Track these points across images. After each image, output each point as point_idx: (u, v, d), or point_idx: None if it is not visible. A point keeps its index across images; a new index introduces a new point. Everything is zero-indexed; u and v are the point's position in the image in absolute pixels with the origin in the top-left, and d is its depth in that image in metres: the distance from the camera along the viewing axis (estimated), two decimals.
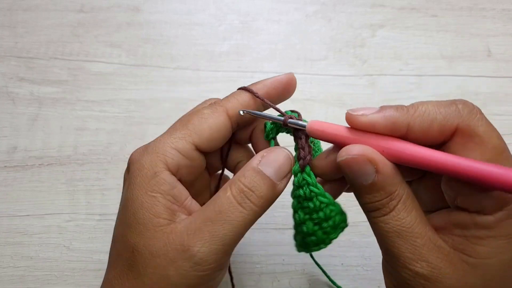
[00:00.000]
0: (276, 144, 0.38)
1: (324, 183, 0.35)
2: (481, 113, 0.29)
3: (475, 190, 0.29)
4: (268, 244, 0.52)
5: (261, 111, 0.37)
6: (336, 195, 0.36)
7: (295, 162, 0.34)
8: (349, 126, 0.31)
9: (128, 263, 0.32)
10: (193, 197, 0.36)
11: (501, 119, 0.60)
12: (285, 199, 0.36)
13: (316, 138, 0.33)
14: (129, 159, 0.35)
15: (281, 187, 0.33)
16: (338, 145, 0.31)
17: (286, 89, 0.36)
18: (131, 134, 0.58)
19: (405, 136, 0.30)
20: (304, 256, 0.51)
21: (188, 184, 0.36)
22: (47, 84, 0.61)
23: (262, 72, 0.63)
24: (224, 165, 0.41)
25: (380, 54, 0.64)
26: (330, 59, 0.64)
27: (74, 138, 0.58)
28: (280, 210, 0.53)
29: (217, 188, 0.43)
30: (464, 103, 0.29)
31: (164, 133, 0.35)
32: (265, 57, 0.64)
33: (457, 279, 0.28)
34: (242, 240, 0.33)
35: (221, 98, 0.37)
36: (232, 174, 0.40)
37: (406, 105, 0.30)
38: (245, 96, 0.36)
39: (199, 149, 0.35)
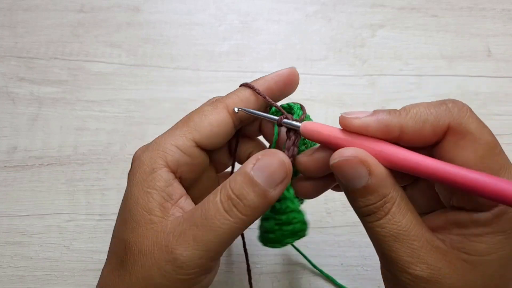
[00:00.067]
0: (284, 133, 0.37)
1: (306, 179, 0.35)
2: (471, 111, 0.29)
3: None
4: None
5: (262, 108, 0.37)
6: (318, 193, 0.36)
7: None
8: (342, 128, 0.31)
9: (120, 259, 0.32)
10: (198, 196, 0.36)
11: (501, 119, 0.60)
12: None
13: (310, 140, 0.33)
14: (132, 157, 0.35)
15: (274, 194, 0.30)
16: (332, 147, 0.31)
17: (288, 83, 0.36)
18: (131, 134, 0.58)
19: (399, 139, 0.30)
20: (302, 255, 0.51)
21: (190, 182, 0.36)
22: (47, 84, 0.61)
23: (262, 72, 0.63)
24: (233, 161, 0.41)
25: (380, 54, 0.64)
26: (330, 59, 0.64)
27: (74, 138, 0.58)
28: None
29: None
30: (454, 102, 0.29)
31: (166, 131, 0.35)
32: (265, 57, 0.64)
33: (457, 278, 0.28)
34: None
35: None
36: None
37: (398, 108, 0.30)
38: (246, 93, 0.36)
39: (200, 146, 0.35)
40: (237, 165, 0.41)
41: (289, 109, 0.37)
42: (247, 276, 0.44)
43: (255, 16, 0.67)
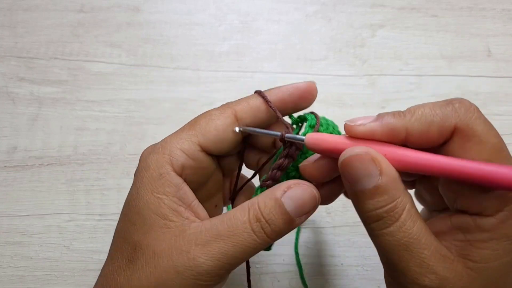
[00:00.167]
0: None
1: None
2: (479, 111, 0.29)
3: (475, 191, 0.28)
4: None
5: (273, 118, 0.36)
6: (328, 199, 0.36)
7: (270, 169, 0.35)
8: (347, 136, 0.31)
9: (128, 259, 0.32)
10: (203, 199, 0.36)
11: (501, 119, 0.60)
12: None
13: (315, 152, 0.32)
14: (140, 157, 0.35)
15: (298, 223, 0.32)
16: (338, 157, 0.30)
17: (303, 97, 0.35)
18: (131, 134, 0.58)
19: (405, 141, 0.29)
20: (304, 256, 0.51)
21: (196, 185, 0.36)
22: (47, 84, 0.61)
23: (262, 72, 0.63)
24: (240, 167, 0.40)
25: (380, 54, 0.64)
26: (330, 59, 0.64)
27: (74, 138, 0.58)
28: None
29: (231, 191, 0.42)
30: (461, 102, 0.29)
31: (173, 133, 0.35)
32: (265, 57, 0.64)
33: (465, 287, 0.28)
34: None
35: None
36: (251, 172, 0.40)
37: (402, 110, 0.30)
38: (257, 101, 0.35)
39: (205, 151, 0.34)
40: (244, 169, 0.41)
41: (301, 120, 0.36)
42: (247, 277, 0.44)
43: (255, 16, 0.67)
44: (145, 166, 0.33)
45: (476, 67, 0.64)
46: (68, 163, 0.56)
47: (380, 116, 0.30)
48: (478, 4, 0.68)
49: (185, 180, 0.34)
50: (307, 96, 0.35)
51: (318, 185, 0.34)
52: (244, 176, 0.41)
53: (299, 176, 0.35)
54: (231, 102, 0.36)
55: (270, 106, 0.34)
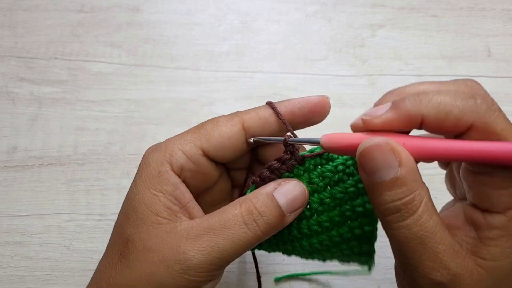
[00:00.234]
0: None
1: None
2: (500, 110, 0.28)
3: (486, 186, 0.28)
4: None
5: (283, 131, 0.35)
6: None
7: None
8: (359, 131, 0.30)
9: (120, 253, 0.32)
10: (208, 206, 0.36)
11: None
12: None
13: (332, 153, 0.32)
14: (143, 155, 0.35)
15: (288, 219, 0.32)
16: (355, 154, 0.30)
17: (314, 111, 0.34)
18: (131, 134, 0.58)
19: (420, 126, 0.29)
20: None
21: (197, 190, 0.36)
22: (47, 84, 0.61)
23: (262, 72, 0.63)
24: (246, 177, 0.40)
25: (380, 54, 0.64)
26: (330, 59, 0.64)
27: (74, 138, 0.58)
28: None
29: None
30: (484, 98, 0.28)
31: (178, 134, 0.35)
32: (265, 57, 0.64)
33: (475, 285, 0.28)
34: None
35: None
36: None
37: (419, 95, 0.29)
38: (267, 112, 0.35)
39: (207, 156, 0.34)
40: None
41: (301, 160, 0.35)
42: (247, 276, 0.44)
43: (255, 16, 0.67)
44: (146, 163, 0.34)
45: (476, 67, 0.64)
46: (68, 163, 0.56)
47: (394, 104, 0.29)
48: (478, 4, 0.68)
49: (184, 182, 0.34)
50: (318, 110, 0.34)
51: None
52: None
53: None
54: (241, 111, 0.35)
55: (280, 118, 0.34)
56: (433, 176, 0.43)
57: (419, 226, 0.27)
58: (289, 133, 0.35)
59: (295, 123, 0.35)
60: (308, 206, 0.34)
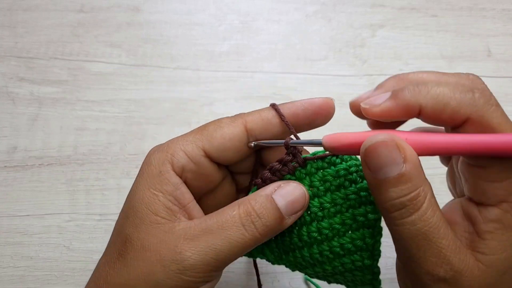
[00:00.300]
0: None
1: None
2: (498, 105, 0.28)
3: (480, 178, 0.29)
4: None
5: (287, 133, 0.35)
6: None
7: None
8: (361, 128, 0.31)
9: (118, 252, 0.32)
10: (211, 209, 0.36)
11: None
12: None
13: (335, 153, 0.32)
14: (146, 154, 0.35)
15: (288, 222, 0.32)
16: (358, 154, 0.30)
17: (318, 113, 0.34)
18: (131, 134, 0.58)
19: (418, 116, 0.29)
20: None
21: (199, 191, 0.35)
22: (47, 84, 0.61)
23: (262, 72, 0.63)
24: (251, 180, 0.40)
25: (380, 54, 0.64)
26: (330, 59, 0.64)
27: (74, 138, 0.58)
28: None
29: None
30: (482, 92, 0.28)
31: (181, 134, 0.35)
32: (265, 57, 0.64)
33: (474, 280, 0.28)
34: None
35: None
36: None
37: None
38: (270, 114, 0.34)
39: (210, 157, 0.34)
40: None
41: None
42: (247, 276, 0.44)
43: (255, 16, 0.67)
44: (148, 162, 0.34)
45: (476, 67, 0.64)
46: (68, 163, 0.56)
47: (394, 93, 0.30)
48: (478, 4, 0.68)
49: (185, 182, 0.34)
50: (322, 112, 0.34)
51: None
52: None
53: None
54: (244, 113, 0.35)
55: (283, 119, 0.34)
56: (433, 176, 0.43)
57: (424, 221, 0.27)
58: (291, 136, 0.34)
59: (299, 125, 0.35)
60: (308, 212, 0.34)
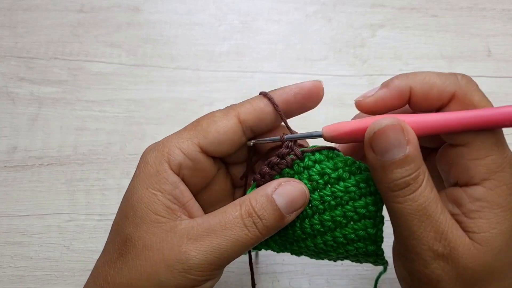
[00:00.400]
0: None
1: None
2: (478, 87, 0.31)
3: (464, 159, 0.30)
4: None
5: (279, 120, 0.35)
6: None
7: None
8: (360, 118, 0.32)
9: (119, 252, 0.32)
10: (208, 205, 0.37)
11: None
12: None
13: (335, 142, 0.33)
14: (142, 154, 0.35)
15: (288, 219, 0.33)
16: (358, 139, 0.31)
17: (308, 97, 0.35)
18: (131, 134, 0.58)
19: (408, 102, 0.32)
20: (304, 256, 0.51)
21: (196, 187, 0.36)
22: (47, 84, 0.61)
23: (262, 72, 0.63)
24: (247, 175, 0.40)
25: (380, 54, 0.64)
26: (330, 59, 0.64)
27: (74, 138, 0.58)
28: None
29: None
30: (463, 75, 0.31)
31: (175, 132, 0.35)
32: (265, 57, 0.64)
33: (470, 259, 0.29)
34: None
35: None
36: None
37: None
38: (261, 103, 0.35)
39: (205, 152, 0.34)
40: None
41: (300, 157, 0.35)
42: (247, 276, 0.44)
43: (255, 16, 0.67)
44: (144, 162, 0.34)
45: (476, 67, 0.64)
46: (68, 163, 0.57)
47: (384, 83, 0.32)
48: (478, 4, 0.68)
49: (183, 180, 0.34)
50: (312, 96, 0.35)
51: None
52: None
53: None
54: (235, 104, 0.35)
55: (277, 110, 0.34)
56: None
57: (424, 197, 0.29)
58: (285, 126, 0.35)
59: (291, 110, 0.35)
60: (310, 205, 0.34)
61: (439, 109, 0.32)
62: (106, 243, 0.34)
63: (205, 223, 0.32)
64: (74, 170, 0.56)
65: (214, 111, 0.35)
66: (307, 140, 0.38)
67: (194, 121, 0.35)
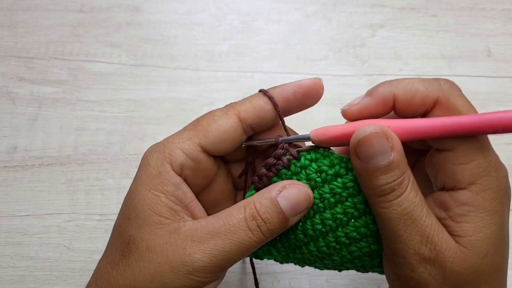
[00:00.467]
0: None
1: None
2: (461, 91, 0.31)
3: (451, 164, 0.30)
4: None
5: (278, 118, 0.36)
6: None
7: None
8: (347, 122, 0.32)
9: (121, 253, 0.32)
10: (209, 205, 0.37)
11: None
12: None
13: (322, 146, 0.33)
14: (143, 155, 0.35)
15: (292, 222, 0.33)
16: (346, 145, 0.32)
17: (307, 95, 0.35)
18: (131, 134, 0.58)
19: (392, 109, 0.32)
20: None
21: (198, 187, 0.36)
22: (47, 84, 0.61)
23: (262, 72, 0.63)
24: (246, 173, 0.40)
25: (380, 54, 0.64)
26: (330, 59, 0.64)
27: (74, 138, 0.58)
28: None
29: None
30: (446, 80, 0.31)
31: (175, 132, 0.35)
32: (265, 57, 0.64)
33: (456, 262, 0.29)
34: None
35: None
36: None
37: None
38: (261, 101, 0.35)
39: (206, 152, 0.34)
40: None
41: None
42: (247, 276, 0.44)
43: (255, 16, 0.67)
44: (145, 163, 0.34)
45: (476, 67, 0.64)
46: (68, 163, 0.57)
47: (369, 92, 0.32)
48: (478, 4, 0.68)
49: (185, 180, 0.34)
50: (311, 93, 0.35)
51: None
52: None
53: None
54: (235, 103, 0.35)
55: (276, 109, 0.34)
56: None
57: (408, 201, 0.29)
58: (279, 135, 0.35)
59: (290, 108, 0.35)
60: None
61: (423, 114, 0.32)
62: (108, 245, 0.34)
63: (209, 225, 0.32)
64: (74, 170, 0.56)
65: (213, 110, 0.35)
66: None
67: (194, 120, 0.35)
